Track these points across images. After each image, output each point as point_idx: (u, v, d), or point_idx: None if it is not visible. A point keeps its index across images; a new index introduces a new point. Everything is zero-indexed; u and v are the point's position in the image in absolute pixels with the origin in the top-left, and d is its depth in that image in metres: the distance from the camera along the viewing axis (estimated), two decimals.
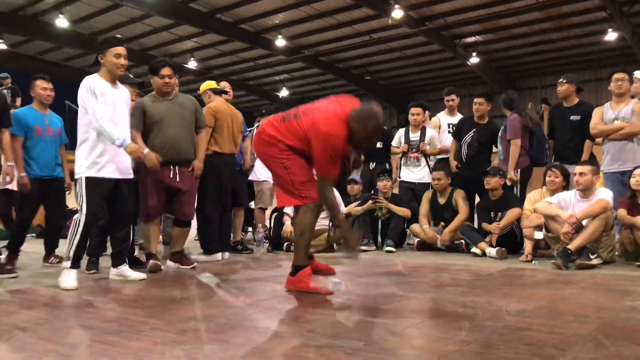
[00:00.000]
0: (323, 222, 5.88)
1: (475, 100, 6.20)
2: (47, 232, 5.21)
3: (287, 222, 5.94)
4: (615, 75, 5.24)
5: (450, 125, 6.61)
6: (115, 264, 3.98)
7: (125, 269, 3.97)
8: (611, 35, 15.18)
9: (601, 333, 2.26)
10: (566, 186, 5.06)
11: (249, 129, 6.38)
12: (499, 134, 5.84)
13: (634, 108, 5.07)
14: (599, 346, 2.08)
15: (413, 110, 6.56)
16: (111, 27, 16.28)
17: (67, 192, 5.27)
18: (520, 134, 5.63)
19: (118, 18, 15.71)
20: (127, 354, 2.04)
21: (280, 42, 16.69)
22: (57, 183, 4.94)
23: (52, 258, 4.89)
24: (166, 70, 4.44)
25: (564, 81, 5.65)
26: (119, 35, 4.46)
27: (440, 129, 6.67)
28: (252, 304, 2.98)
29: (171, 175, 4.41)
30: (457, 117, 6.67)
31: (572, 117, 5.54)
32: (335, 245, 5.86)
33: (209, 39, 17.30)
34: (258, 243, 5.94)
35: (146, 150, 3.99)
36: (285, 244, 5.90)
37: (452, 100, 6.75)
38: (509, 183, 5.58)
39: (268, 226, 6.69)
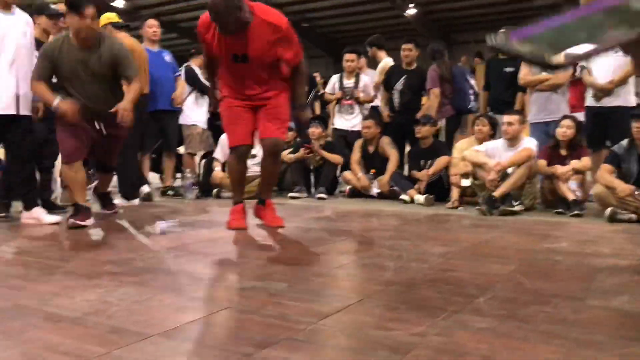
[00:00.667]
0: (255, 168, 5.76)
1: (403, 46, 6.17)
2: None
3: (218, 167, 5.77)
4: None
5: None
6: (25, 207, 3.71)
7: (38, 212, 3.71)
8: None
9: (520, 272, 2.32)
10: (493, 135, 5.18)
11: (180, 68, 6.07)
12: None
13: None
14: (517, 284, 2.13)
15: (347, 56, 6.43)
16: None
17: None
18: (438, 84, 5.74)
19: None
20: (32, 297, 1.89)
21: None
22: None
23: None
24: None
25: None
26: None
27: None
28: (174, 248, 2.86)
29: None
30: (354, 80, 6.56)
31: (506, 69, 5.67)
32: None
33: None
34: (186, 189, 5.76)
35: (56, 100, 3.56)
36: (215, 190, 5.75)
37: (352, 61, 6.44)
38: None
39: (197, 172, 6.49)
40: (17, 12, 3.65)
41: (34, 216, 3.71)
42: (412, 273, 2.30)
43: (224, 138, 5.89)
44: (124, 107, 3.59)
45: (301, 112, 3.68)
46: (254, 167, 5.77)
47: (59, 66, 3.58)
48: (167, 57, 5.76)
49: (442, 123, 6.08)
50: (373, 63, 6.92)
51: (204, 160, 6.24)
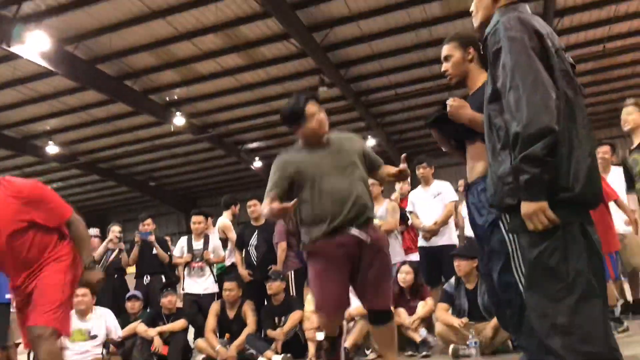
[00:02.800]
0: (96, 350, 5.24)
1: (249, 203, 6.38)
2: None
3: None
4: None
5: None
6: None
7: None
8: (371, 141, 17.41)
9: None
10: None
11: None
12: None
13: (388, 207, 5.71)
14: None
15: (194, 218, 6.44)
16: None
17: None
18: (284, 237, 5.94)
19: None
20: None
21: (52, 148, 15.45)
22: None
23: None
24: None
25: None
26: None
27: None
28: None
29: None
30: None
31: None
32: None
33: None
34: None
35: None
36: None
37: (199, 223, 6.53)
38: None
39: None
40: None
41: None
42: None
43: None
44: None
45: (89, 273, 3.12)
46: (94, 349, 5.26)
47: None
48: None
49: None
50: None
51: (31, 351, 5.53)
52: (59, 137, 15.50)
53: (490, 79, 2.10)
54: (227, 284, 5.72)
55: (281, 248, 5.85)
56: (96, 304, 5.47)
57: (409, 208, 5.92)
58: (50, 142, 15.33)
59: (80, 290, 5.30)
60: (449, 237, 5.72)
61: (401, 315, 4.78)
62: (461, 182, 6.37)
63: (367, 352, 4.52)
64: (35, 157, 16.30)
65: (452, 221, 5.92)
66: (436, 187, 5.79)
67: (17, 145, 15.46)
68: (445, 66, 2.67)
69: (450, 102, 2.58)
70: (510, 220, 2.05)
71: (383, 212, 5.66)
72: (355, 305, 4.67)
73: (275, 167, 3.16)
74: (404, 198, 6.57)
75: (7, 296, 5.11)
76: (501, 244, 2.27)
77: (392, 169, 3.29)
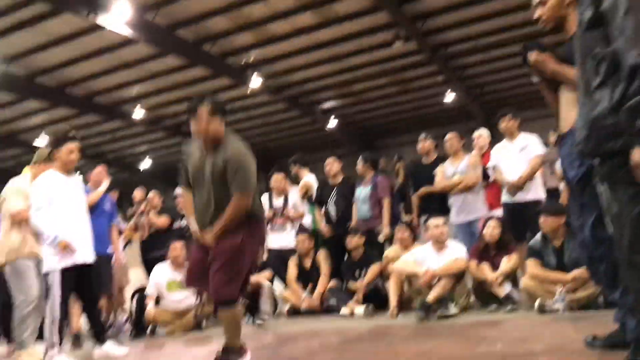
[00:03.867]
0: (189, 300, 5.61)
1: (327, 162, 6.50)
2: None
3: (151, 302, 5.58)
4: (446, 137, 5.81)
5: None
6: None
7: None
8: (449, 97, 16.89)
9: None
10: (415, 239, 5.41)
11: None
12: (368, 193, 6.02)
13: (470, 162, 5.59)
14: None
15: (275, 176, 6.65)
16: None
17: None
18: (389, 193, 5.97)
19: None
20: None
21: (138, 113, 16.24)
22: None
23: None
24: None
25: (427, 138, 6.10)
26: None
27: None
28: None
29: None
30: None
31: (433, 172, 5.91)
32: (204, 323, 5.57)
33: (60, 113, 16.33)
34: (118, 329, 5.48)
35: None
36: (150, 328, 5.50)
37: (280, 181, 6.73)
38: (382, 239, 5.76)
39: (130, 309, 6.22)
40: None
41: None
42: None
43: (156, 272, 5.77)
44: None
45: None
46: (187, 299, 5.64)
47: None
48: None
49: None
50: (297, 180, 7.12)
51: (136, 296, 6.00)
52: (145, 102, 16.21)
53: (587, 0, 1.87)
54: (297, 237, 5.92)
55: (387, 202, 5.90)
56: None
57: (491, 163, 5.73)
58: (136, 107, 16.09)
59: (178, 245, 5.70)
60: (535, 192, 5.49)
61: (485, 270, 4.74)
62: (552, 134, 6.06)
63: (451, 305, 4.54)
64: (124, 122, 17.20)
65: (538, 176, 5.68)
66: (522, 141, 5.55)
67: (107, 111, 16.35)
68: (540, 11, 2.54)
69: (531, 57, 2.50)
70: (607, 169, 1.88)
71: (464, 167, 5.56)
72: (440, 265, 4.73)
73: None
74: (483, 153, 6.37)
75: (110, 249, 5.57)
76: (594, 196, 2.15)
77: None
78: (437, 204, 5.72)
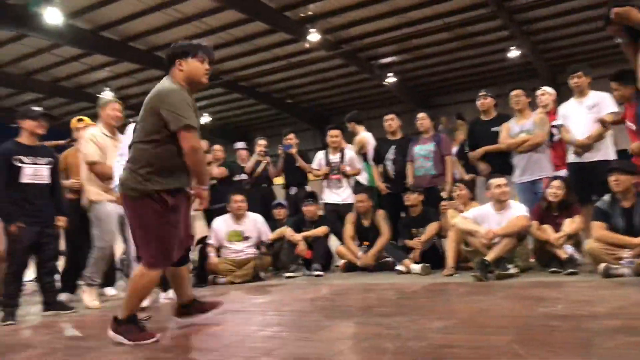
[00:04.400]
0: (249, 250, 5.79)
1: (386, 117, 6.41)
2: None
3: (212, 253, 5.79)
4: (512, 93, 5.59)
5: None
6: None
7: None
8: (514, 53, 16.16)
9: (517, 343, 2.33)
10: (472, 198, 5.32)
11: None
12: (431, 149, 5.93)
13: (536, 120, 5.38)
14: (515, 356, 2.14)
15: (331, 132, 6.64)
16: (17, 58, 15.46)
17: None
18: (450, 150, 5.98)
19: (24, 49, 14.92)
20: None
21: None
22: None
23: None
24: (207, 56, 3.16)
25: (487, 95, 5.92)
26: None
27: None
28: (173, 346, 2.84)
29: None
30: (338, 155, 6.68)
31: (493, 129, 5.75)
32: (262, 274, 5.76)
33: (123, 68, 16.79)
34: None
35: None
36: (211, 276, 5.73)
37: (336, 137, 6.65)
38: (446, 195, 5.71)
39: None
40: None
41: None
42: (411, 354, 2.31)
43: (217, 223, 5.96)
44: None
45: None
46: (247, 249, 5.82)
47: None
48: None
49: None
50: (352, 137, 7.08)
51: (198, 247, 6.25)
52: None
53: None
54: (357, 196, 5.93)
55: (450, 160, 5.85)
56: (248, 210, 5.99)
57: (558, 121, 5.48)
58: None
59: (238, 197, 5.87)
60: (605, 152, 5.21)
61: (547, 231, 4.63)
62: None
63: (509, 266, 4.48)
64: None
65: (609, 135, 5.40)
66: (592, 98, 5.25)
67: (168, 66, 16.66)
68: None
69: (613, 11, 2.39)
70: None
71: (530, 125, 5.36)
72: (500, 225, 4.65)
73: (185, 96, 2.97)
74: (547, 112, 6.10)
75: None
76: None
77: None
78: (498, 163, 5.58)
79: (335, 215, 6.41)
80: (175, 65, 3.05)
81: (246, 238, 5.86)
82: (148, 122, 2.95)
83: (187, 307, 3.34)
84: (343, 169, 6.43)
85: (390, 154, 6.27)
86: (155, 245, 2.93)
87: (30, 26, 12.86)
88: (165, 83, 3.02)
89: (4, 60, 15.64)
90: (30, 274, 4.91)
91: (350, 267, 5.85)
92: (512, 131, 5.50)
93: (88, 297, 4.57)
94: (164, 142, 2.92)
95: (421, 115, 6.19)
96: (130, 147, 3.09)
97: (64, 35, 13.50)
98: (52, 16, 12.34)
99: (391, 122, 6.39)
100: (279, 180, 7.34)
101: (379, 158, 6.39)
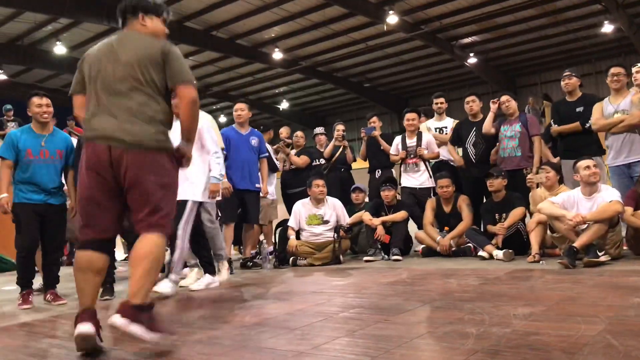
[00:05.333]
0: (327, 234, 5.88)
1: (467, 99, 6.27)
2: (42, 264, 4.56)
3: (292, 236, 5.93)
4: (612, 70, 5.22)
5: (438, 129, 6.64)
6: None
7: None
8: (608, 27, 15.15)
9: (610, 333, 2.23)
10: (560, 180, 5.07)
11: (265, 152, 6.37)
12: (517, 130, 5.74)
13: (633, 99, 5.04)
14: (607, 347, 2.06)
15: (408, 115, 6.57)
16: None
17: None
18: (539, 131, 5.79)
19: None
20: None
21: (277, 55, 16.77)
22: (53, 210, 4.34)
23: (49, 295, 4.32)
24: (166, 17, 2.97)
25: (573, 74, 5.63)
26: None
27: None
28: (258, 323, 2.96)
29: None
30: (445, 121, 6.68)
31: (577, 110, 5.48)
32: (341, 257, 5.83)
33: (206, 57, 17.41)
34: (264, 259, 5.92)
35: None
36: (291, 259, 5.88)
37: (442, 103, 6.74)
38: (532, 176, 5.51)
39: (273, 241, 6.68)
40: None
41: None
42: (495, 339, 2.27)
43: (297, 206, 6.09)
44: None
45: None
46: (326, 232, 5.90)
47: None
48: (254, 140, 5.93)
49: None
50: None
51: (279, 229, 6.42)
52: (283, 44, 16.67)
53: None
54: (440, 181, 5.83)
55: (538, 140, 5.67)
56: (327, 195, 6.07)
57: None
58: (275, 49, 16.61)
59: (319, 182, 5.97)
60: None
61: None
62: None
63: (600, 253, 4.26)
64: (264, 64, 17.88)
65: None
66: None
67: (248, 53, 17.08)
68: None
69: None
70: None
71: (626, 104, 5.03)
72: (590, 210, 4.43)
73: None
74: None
75: (257, 185, 5.92)
76: None
77: None
78: (580, 145, 5.31)
79: (413, 199, 6.36)
80: (137, 18, 2.77)
81: (325, 222, 5.95)
82: (153, 73, 2.60)
83: None
84: (420, 152, 6.34)
85: (472, 136, 6.12)
86: (171, 206, 2.63)
87: None
88: (146, 36, 2.72)
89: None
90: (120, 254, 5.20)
91: (430, 252, 5.79)
92: (606, 111, 5.18)
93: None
94: (164, 97, 2.66)
95: (505, 97, 5.97)
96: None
97: None
98: None
99: (472, 104, 6.23)
100: (359, 164, 7.35)
101: (459, 140, 6.25)
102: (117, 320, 2.31)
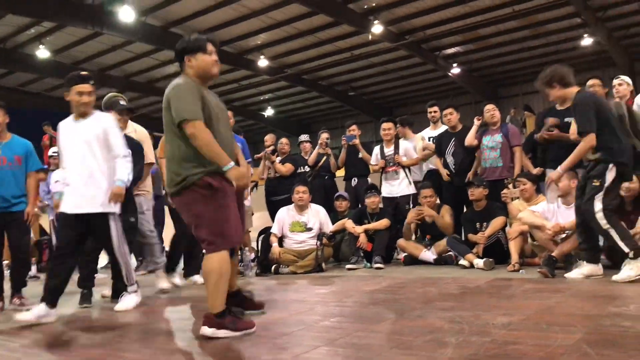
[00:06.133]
0: (311, 241, 5.88)
1: (445, 112, 6.37)
2: (10, 269, 4.67)
3: (275, 243, 5.92)
4: (588, 83, 5.32)
5: (431, 139, 6.70)
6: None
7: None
8: (587, 40, 15.43)
9: (586, 342, 2.26)
10: (537, 189, 5.15)
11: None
12: (499, 140, 5.81)
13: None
14: (584, 356, 2.09)
15: (384, 125, 6.69)
16: (92, 55, 16.31)
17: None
18: (521, 141, 5.87)
19: (99, 46, 15.73)
20: None
21: (262, 62, 16.78)
22: (12, 217, 4.37)
23: (16, 299, 4.36)
24: (212, 47, 3.13)
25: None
26: (85, 72, 4.03)
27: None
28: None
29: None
30: (439, 130, 6.76)
31: (566, 119, 5.53)
32: (323, 265, 5.83)
33: None
34: (246, 266, 5.91)
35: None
36: (274, 266, 5.87)
37: (435, 112, 6.82)
38: (510, 188, 5.56)
39: (255, 248, 6.66)
40: (89, 119, 3.91)
41: None
42: (474, 348, 2.29)
43: (281, 213, 6.08)
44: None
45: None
46: (309, 240, 5.90)
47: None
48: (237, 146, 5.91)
49: None
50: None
51: (262, 236, 6.41)
52: (269, 51, 16.68)
53: None
54: (423, 191, 5.89)
55: (519, 150, 5.74)
56: (311, 202, 6.08)
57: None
58: (261, 57, 16.62)
59: (301, 188, 5.98)
60: None
61: None
62: None
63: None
64: (249, 71, 17.87)
65: None
66: None
67: (234, 60, 17.05)
68: None
69: None
70: None
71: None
72: (569, 220, 4.49)
73: (189, 89, 2.97)
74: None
75: None
76: None
77: None
78: (564, 155, 5.35)
79: (394, 206, 6.40)
80: (185, 62, 3.08)
81: (308, 229, 5.96)
82: (167, 117, 2.96)
83: (233, 297, 3.23)
84: (398, 159, 6.42)
85: (451, 147, 6.19)
86: (210, 228, 2.87)
87: (106, 24, 13.52)
88: (174, 81, 3.06)
89: (80, 57, 16.54)
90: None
91: (412, 261, 5.82)
92: None
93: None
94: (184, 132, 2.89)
95: (491, 106, 6.06)
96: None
97: (136, 32, 14.10)
98: (126, 14, 12.92)
99: (450, 116, 6.32)
100: (343, 172, 7.41)
101: (440, 151, 6.32)
102: (206, 330, 2.79)
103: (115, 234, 3.84)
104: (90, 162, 3.80)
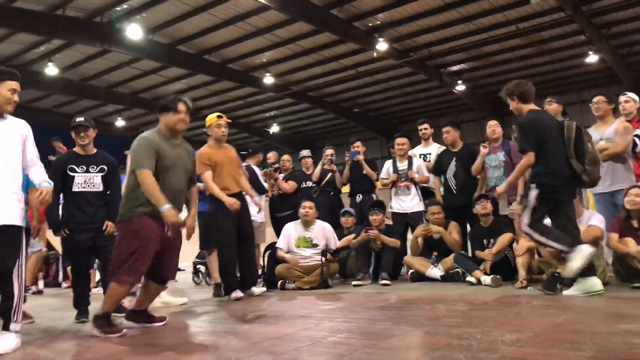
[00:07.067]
0: (316, 257, 5.87)
1: (443, 129, 6.35)
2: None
3: (287, 255, 5.92)
4: (594, 99, 5.33)
5: (422, 156, 6.70)
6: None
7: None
8: (592, 58, 15.49)
9: None
10: None
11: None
12: (501, 159, 5.82)
13: (618, 128, 5.12)
14: None
15: (398, 140, 6.65)
16: (101, 72, 16.49)
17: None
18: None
19: (107, 63, 15.92)
20: None
21: (268, 79, 16.91)
22: None
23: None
24: (183, 106, 3.91)
25: (553, 101, 5.71)
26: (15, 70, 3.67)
27: None
28: (245, 348, 2.94)
29: (165, 232, 3.76)
30: (431, 147, 6.74)
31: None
32: (329, 281, 5.81)
33: (198, 80, 17.50)
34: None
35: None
36: (280, 282, 5.85)
37: (426, 129, 6.82)
38: (516, 205, 5.54)
39: (262, 264, 6.64)
40: (8, 118, 3.49)
41: None
42: None
43: (288, 228, 6.08)
44: (190, 224, 4.08)
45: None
46: (315, 255, 5.89)
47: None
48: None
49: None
50: None
51: (267, 252, 6.40)
52: (274, 69, 16.83)
53: None
54: (431, 208, 5.88)
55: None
56: (316, 218, 6.08)
57: None
58: (267, 74, 16.75)
59: (307, 204, 5.99)
60: None
61: (628, 243, 4.40)
62: None
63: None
64: (255, 88, 18.01)
65: None
66: None
67: (239, 78, 17.21)
68: None
69: None
70: None
71: (611, 133, 5.11)
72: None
73: (145, 144, 3.77)
74: (630, 120, 5.77)
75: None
76: None
77: None
78: None
79: (403, 223, 6.38)
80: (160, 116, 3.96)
81: (314, 245, 5.95)
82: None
83: (137, 314, 3.95)
84: (412, 175, 6.40)
85: (452, 166, 6.18)
86: (120, 257, 3.63)
87: (113, 42, 13.68)
88: (142, 133, 3.90)
89: (88, 74, 16.73)
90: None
91: (419, 278, 5.79)
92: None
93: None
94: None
95: (493, 122, 6.06)
96: None
97: (143, 50, 14.26)
98: (133, 32, 13.09)
99: (447, 134, 6.31)
100: (346, 189, 7.41)
101: (440, 170, 6.31)
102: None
103: (22, 251, 3.41)
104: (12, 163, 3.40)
